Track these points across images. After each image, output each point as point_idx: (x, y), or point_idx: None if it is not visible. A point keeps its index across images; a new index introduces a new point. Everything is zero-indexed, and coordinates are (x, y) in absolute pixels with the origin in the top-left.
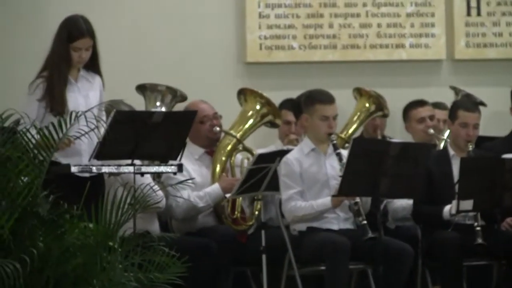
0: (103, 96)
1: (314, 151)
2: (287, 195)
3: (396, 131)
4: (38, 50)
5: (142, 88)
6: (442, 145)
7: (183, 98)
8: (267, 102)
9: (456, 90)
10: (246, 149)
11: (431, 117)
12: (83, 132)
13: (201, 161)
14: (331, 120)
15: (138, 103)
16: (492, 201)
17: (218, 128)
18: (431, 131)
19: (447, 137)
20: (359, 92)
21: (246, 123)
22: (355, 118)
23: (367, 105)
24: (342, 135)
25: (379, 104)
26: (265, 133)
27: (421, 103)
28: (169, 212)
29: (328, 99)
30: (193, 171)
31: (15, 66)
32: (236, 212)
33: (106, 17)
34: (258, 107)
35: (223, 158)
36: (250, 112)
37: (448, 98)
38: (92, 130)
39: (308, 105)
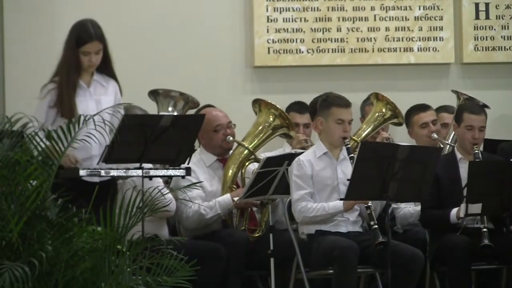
0: (120, 101)
1: (326, 155)
2: (298, 195)
3: (404, 136)
4: (52, 55)
5: (155, 94)
6: (447, 149)
7: (195, 104)
8: (280, 115)
9: (458, 94)
10: (257, 161)
11: (434, 122)
12: (91, 136)
13: (212, 168)
14: (346, 124)
15: (149, 108)
16: (501, 204)
17: (231, 138)
18: (435, 135)
19: (453, 141)
20: (377, 97)
21: (259, 134)
22: (370, 122)
23: (383, 110)
24: (355, 138)
25: (395, 112)
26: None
27: (423, 108)
28: (180, 222)
29: (344, 103)
30: (205, 180)
31: (28, 71)
32: (244, 223)
33: (116, 22)
34: (271, 119)
35: (235, 168)
36: (264, 124)
37: (456, 102)
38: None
39: (324, 108)
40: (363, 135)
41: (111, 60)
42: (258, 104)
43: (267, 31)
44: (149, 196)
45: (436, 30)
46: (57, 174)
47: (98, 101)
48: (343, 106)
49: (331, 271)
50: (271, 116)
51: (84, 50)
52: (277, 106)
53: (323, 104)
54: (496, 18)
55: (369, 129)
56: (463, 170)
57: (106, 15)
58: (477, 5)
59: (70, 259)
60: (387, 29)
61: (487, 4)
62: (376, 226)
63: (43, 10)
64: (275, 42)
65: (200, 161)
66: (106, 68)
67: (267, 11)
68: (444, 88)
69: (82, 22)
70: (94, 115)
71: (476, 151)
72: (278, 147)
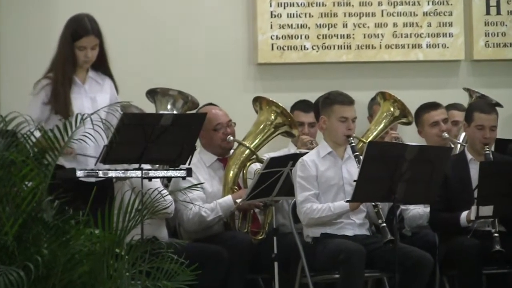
0: (117, 99)
1: (331, 155)
2: (303, 197)
3: (413, 135)
4: (48, 53)
5: (152, 93)
6: (458, 149)
7: (195, 105)
8: (282, 113)
9: (470, 92)
10: (259, 161)
11: (445, 120)
12: (88, 135)
13: (212, 168)
14: (349, 122)
15: (148, 106)
16: None
17: (231, 138)
18: (446, 135)
19: (464, 140)
20: (383, 96)
21: (261, 133)
22: (378, 122)
23: (391, 109)
24: (364, 139)
25: (403, 110)
26: (278, 135)
27: (434, 106)
28: (180, 224)
29: (347, 100)
30: (205, 181)
31: (23, 70)
32: (246, 226)
33: (117, 20)
34: (272, 117)
35: (236, 169)
36: (265, 123)
37: (466, 100)
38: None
39: (326, 106)
40: (371, 136)
41: (107, 57)
42: (259, 102)
43: (271, 27)
44: (149, 198)
45: (446, 26)
46: (54, 174)
47: (93, 99)
48: (346, 104)
49: (337, 275)
50: (272, 114)
51: (80, 45)
52: (279, 103)
53: (325, 102)
54: (508, 14)
55: (378, 130)
56: (474, 171)
57: (105, 12)
58: (487, 0)
59: (67, 263)
60: (394, 25)
61: None
62: (384, 224)
63: (40, 8)
64: (279, 38)
65: (200, 161)
66: (101, 65)
67: (270, 6)
68: (454, 86)
69: (78, 17)
70: (92, 114)
71: (487, 151)
72: (283, 147)
